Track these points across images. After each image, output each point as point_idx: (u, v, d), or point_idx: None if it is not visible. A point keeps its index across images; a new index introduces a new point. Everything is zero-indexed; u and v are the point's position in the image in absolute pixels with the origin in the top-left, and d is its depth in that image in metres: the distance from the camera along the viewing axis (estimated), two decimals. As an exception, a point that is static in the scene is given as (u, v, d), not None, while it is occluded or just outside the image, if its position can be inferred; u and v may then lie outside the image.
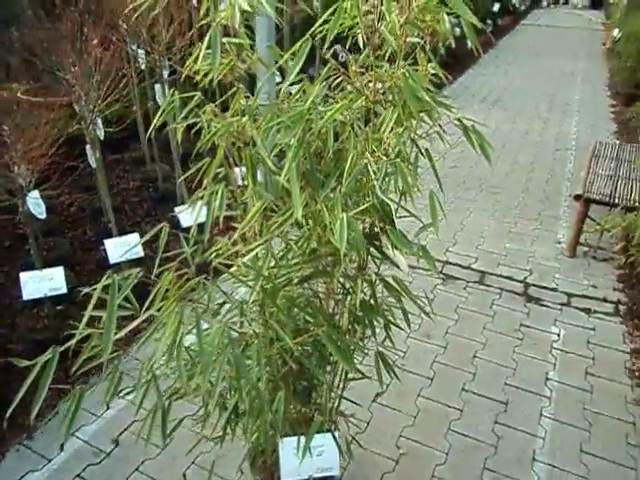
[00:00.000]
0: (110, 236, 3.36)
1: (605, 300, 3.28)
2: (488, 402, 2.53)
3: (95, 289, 1.09)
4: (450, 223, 4.15)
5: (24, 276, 2.44)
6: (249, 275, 1.19)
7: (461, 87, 8.23)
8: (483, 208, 4.44)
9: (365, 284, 1.36)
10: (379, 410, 2.47)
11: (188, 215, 3.24)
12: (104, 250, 3.49)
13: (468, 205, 4.49)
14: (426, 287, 3.34)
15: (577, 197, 3.51)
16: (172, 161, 4.53)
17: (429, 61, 1.10)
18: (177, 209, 3.22)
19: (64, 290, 2.52)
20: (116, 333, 1.30)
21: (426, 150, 1.16)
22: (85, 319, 1.09)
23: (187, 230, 3.43)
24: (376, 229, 1.16)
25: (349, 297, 1.42)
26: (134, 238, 2.93)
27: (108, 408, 2.46)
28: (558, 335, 2.98)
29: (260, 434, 1.48)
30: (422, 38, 1.05)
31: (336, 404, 1.74)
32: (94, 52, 2.62)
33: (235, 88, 1.24)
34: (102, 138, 2.96)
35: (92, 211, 3.98)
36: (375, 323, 1.50)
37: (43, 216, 2.44)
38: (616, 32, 10.22)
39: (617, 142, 4.83)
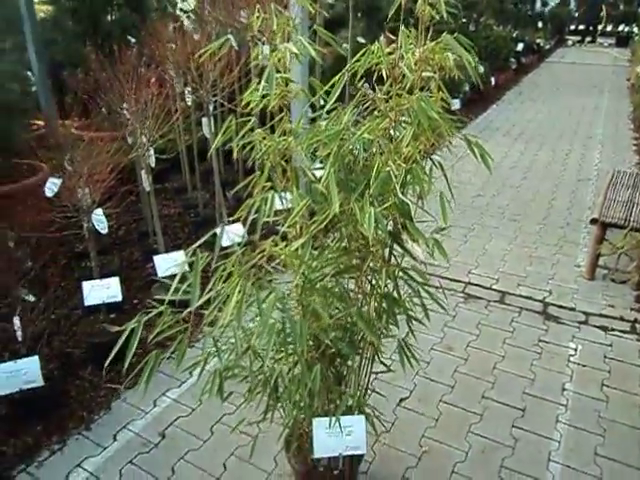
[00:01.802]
0: (157, 254, 3.69)
1: (622, 319, 3.41)
2: (506, 408, 2.68)
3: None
4: (472, 248, 4.36)
5: (86, 284, 2.75)
6: (293, 265, 1.45)
7: (485, 122, 8.50)
8: (504, 234, 4.63)
9: (389, 280, 1.60)
10: (403, 413, 2.65)
11: (226, 235, 3.55)
12: (151, 267, 3.83)
13: (490, 231, 4.68)
14: (449, 305, 3.53)
15: (593, 221, 3.69)
16: (211, 190, 4.92)
17: (440, 90, 1.37)
18: (217, 229, 3.51)
19: (119, 298, 2.82)
20: (181, 312, 1.57)
21: (439, 162, 1.42)
22: (172, 289, 1.35)
23: (225, 249, 3.74)
24: (398, 227, 1.41)
25: (375, 292, 1.67)
26: (180, 255, 3.24)
27: (155, 406, 2.71)
28: (575, 350, 3.13)
29: (297, 411, 1.70)
30: (435, 72, 1.32)
31: (363, 392, 1.95)
32: (151, 89, 3.00)
33: (283, 113, 1.53)
34: (153, 165, 3.32)
35: (139, 234, 4.34)
36: (398, 317, 1.74)
37: (105, 231, 2.76)
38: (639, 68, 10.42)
39: (635, 171, 4.99)
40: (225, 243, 3.54)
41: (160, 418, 2.63)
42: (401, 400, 2.74)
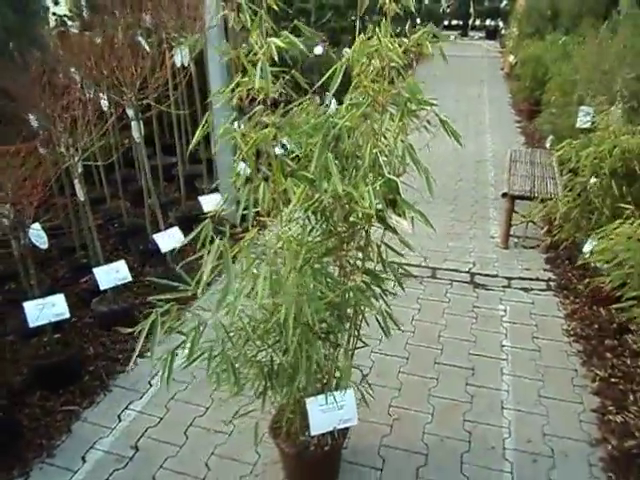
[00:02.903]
0: (87, 268, 3.53)
1: (538, 279, 3.84)
2: (458, 370, 2.93)
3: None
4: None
5: (29, 305, 2.58)
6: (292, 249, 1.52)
7: (385, 114, 8.94)
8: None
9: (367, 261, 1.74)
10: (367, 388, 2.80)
11: (166, 240, 3.48)
12: (84, 282, 3.66)
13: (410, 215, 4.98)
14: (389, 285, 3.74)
15: (504, 195, 4.10)
16: (130, 198, 4.75)
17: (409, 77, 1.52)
18: (155, 236, 3.44)
19: (67, 315, 2.68)
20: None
21: (410, 145, 1.57)
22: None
23: (164, 255, 3.65)
24: (379, 206, 1.54)
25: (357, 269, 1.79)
26: (121, 265, 3.13)
27: (120, 420, 2.62)
28: (505, 311, 3.48)
29: (296, 390, 1.77)
30: (411, 60, 1.48)
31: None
32: (74, 95, 2.87)
33: (258, 107, 1.59)
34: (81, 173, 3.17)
35: (60, 250, 4.08)
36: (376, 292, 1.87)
37: (45, 246, 2.61)
38: (512, 58, 11.50)
39: (529, 149, 5.58)
40: (165, 249, 3.45)
41: (129, 432, 2.55)
42: (363, 377, 2.88)
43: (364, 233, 1.65)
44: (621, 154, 2.84)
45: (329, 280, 1.65)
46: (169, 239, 3.49)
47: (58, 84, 3.22)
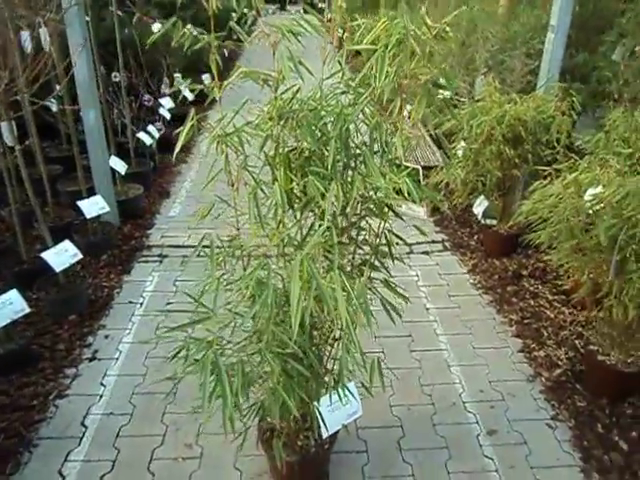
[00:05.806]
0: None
1: (434, 242, 4.15)
2: (398, 339, 3.07)
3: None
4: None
5: None
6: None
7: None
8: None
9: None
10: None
11: (58, 257, 2.99)
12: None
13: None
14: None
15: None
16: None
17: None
18: (44, 254, 2.93)
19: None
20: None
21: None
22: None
23: (55, 275, 3.18)
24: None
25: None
26: (14, 296, 2.62)
27: (63, 478, 2.24)
28: (417, 276, 3.71)
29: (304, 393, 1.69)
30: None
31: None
32: None
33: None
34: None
35: None
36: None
37: None
38: (340, 31, 11.94)
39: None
40: (58, 268, 3.00)
41: (79, 488, 2.20)
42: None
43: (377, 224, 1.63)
44: (509, 121, 3.18)
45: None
46: (61, 255, 3.01)
47: None
